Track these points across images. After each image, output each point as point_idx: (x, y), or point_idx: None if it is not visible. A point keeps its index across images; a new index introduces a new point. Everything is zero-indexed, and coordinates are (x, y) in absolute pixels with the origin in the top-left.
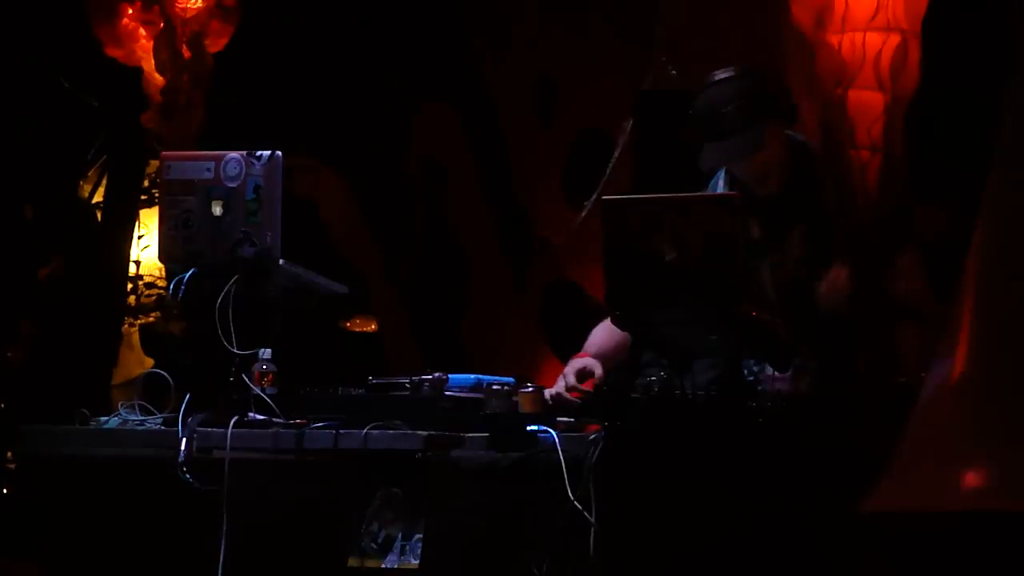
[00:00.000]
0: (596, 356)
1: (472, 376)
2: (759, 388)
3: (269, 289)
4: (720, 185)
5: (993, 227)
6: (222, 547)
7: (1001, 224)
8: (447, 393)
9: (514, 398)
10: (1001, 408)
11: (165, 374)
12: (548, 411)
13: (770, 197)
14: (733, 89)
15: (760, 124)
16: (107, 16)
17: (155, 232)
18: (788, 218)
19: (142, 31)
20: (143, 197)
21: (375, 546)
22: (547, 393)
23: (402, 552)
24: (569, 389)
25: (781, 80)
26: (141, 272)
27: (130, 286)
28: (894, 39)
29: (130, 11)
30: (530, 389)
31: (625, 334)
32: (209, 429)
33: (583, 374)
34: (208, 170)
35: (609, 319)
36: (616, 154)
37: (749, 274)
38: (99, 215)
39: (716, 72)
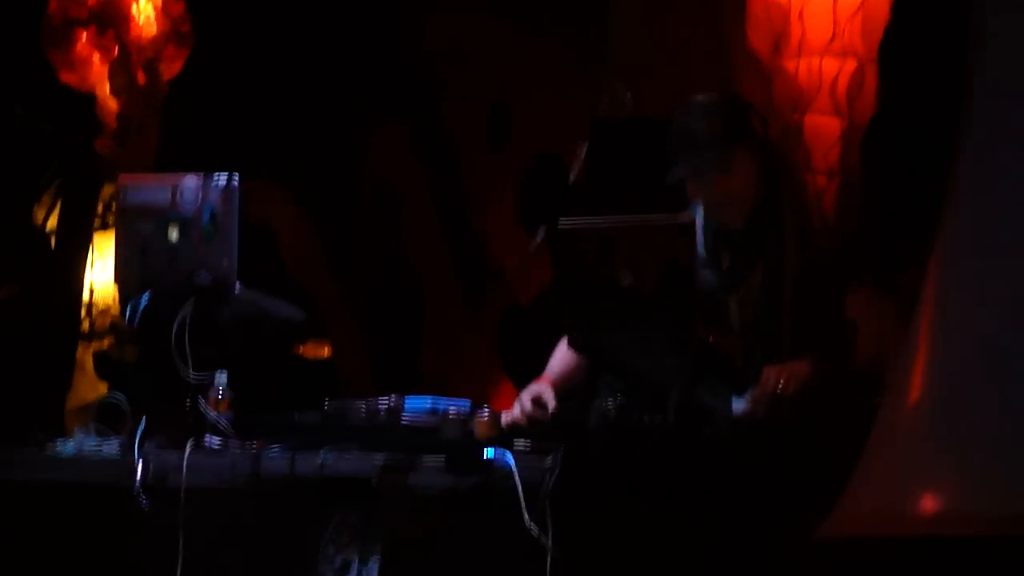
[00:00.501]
0: (557, 378)
1: (428, 399)
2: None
3: (225, 314)
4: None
5: (948, 251)
6: (178, 572)
7: (956, 248)
8: (403, 417)
9: (470, 423)
10: (956, 433)
11: (120, 399)
12: (504, 436)
13: (738, 229)
14: (713, 109)
15: (731, 147)
16: (61, 41)
17: (110, 257)
18: (754, 250)
19: (96, 56)
20: (97, 222)
21: (332, 570)
22: (503, 419)
23: None
24: (524, 415)
25: (760, 114)
26: (95, 297)
27: (84, 311)
28: (851, 65)
29: (84, 36)
30: (486, 414)
31: None
32: (165, 453)
33: (537, 402)
34: (164, 195)
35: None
36: (571, 179)
37: (715, 305)
38: (53, 240)
39: (699, 94)
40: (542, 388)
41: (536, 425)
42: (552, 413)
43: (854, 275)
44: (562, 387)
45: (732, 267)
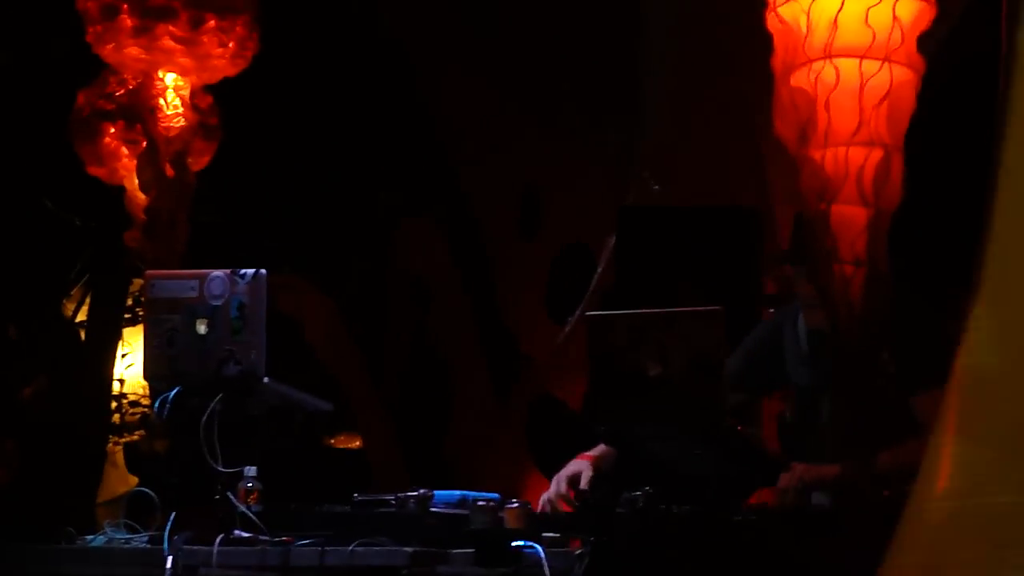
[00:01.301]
0: (600, 455)
1: (457, 492)
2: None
3: (254, 407)
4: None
5: (977, 341)
6: None
7: (984, 339)
8: (432, 509)
9: (500, 514)
10: (984, 523)
11: (150, 492)
12: (534, 526)
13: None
14: None
15: None
16: (89, 135)
17: (139, 350)
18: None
19: (124, 150)
20: (126, 315)
21: None
22: (541, 498)
23: None
24: (559, 497)
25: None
26: (125, 390)
27: (114, 404)
28: (877, 154)
29: (112, 130)
30: (515, 505)
31: None
32: (195, 547)
33: (574, 480)
34: (192, 288)
35: None
36: (599, 269)
37: (810, 401)
38: (83, 333)
39: None
40: (582, 466)
41: (570, 505)
42: (581, 491)
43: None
44: (604, 465)
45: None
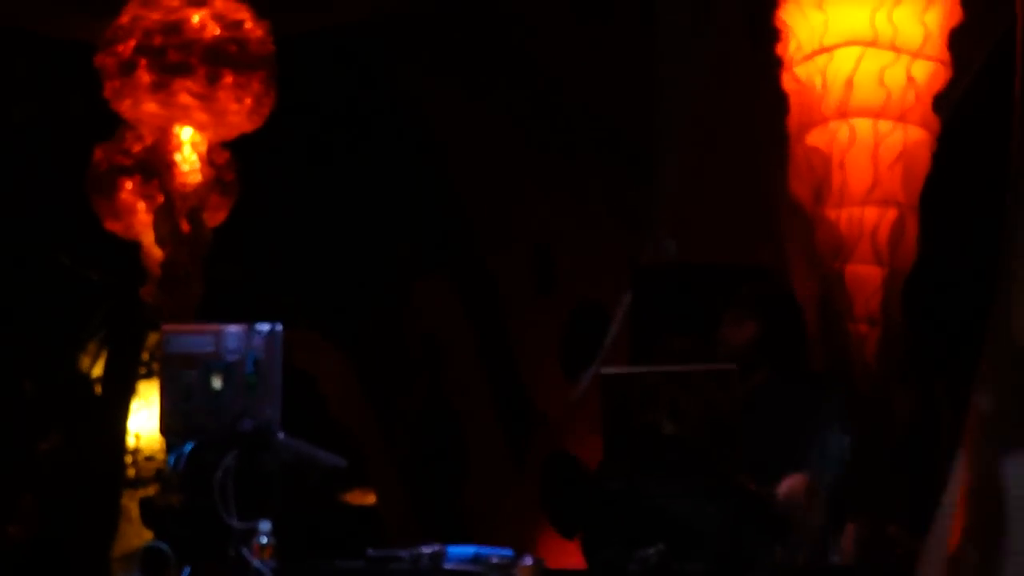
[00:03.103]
0: None
1: (471, 548)
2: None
3: (268, 462)
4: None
5: (989, 404)
6: None
7: (997, 402)
8: (446, 565)
9: (513, 571)
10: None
11: (165, 547)
12: None
13: None
14: None
15: None
16: (106, 190)
17: (155, 404)
18: None
19: (141, 205)
20: (142, 370)
21: None
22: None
23: None
24: None
25: None
26: (140, 444)
27: (129, 458)
28: (891, 213)
29: (129, 185)
30: (529, 562)
31: None
32: None
33: None
34: (208, 343)
35: None
36: (614, 328)
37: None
38: (98, 388)
39: None
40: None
41: None
42: None
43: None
44: None
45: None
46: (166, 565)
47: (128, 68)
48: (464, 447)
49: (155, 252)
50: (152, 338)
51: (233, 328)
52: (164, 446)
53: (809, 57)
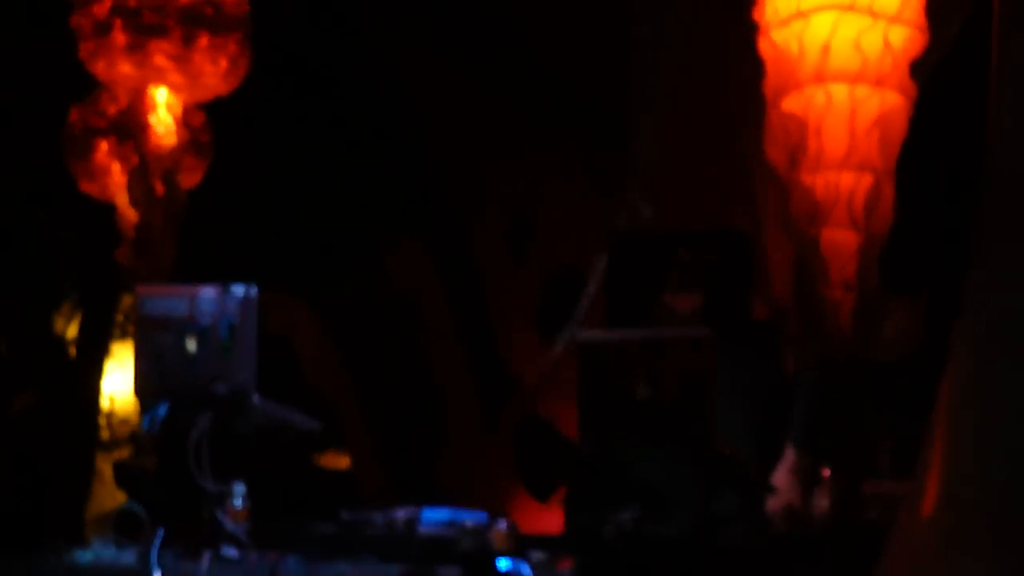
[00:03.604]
0: None
1: (445, 511)
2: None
3: (243, 425)
4: None
5: (962, 366)
6: None
7: (968, 364)
8: (420, 528)
9: (487, 534)
10: (970, 552)
11: (138, 508)
12: (521, 546)
13: None
14: None
15: None
16: (81, 151)
17: (129, 366)
18: None
19: (116, 166)
20: (116, 332)
21: None
22: None
23: None
24: None
25: None
26: (114, 406)
27: (103, 420)
28: (867, 179)
29: (104, 146)
30: (503, 525)
31: None
32: (183, 564)
33: None
34: (182, 305)
35: None
36: (589, 291)
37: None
38: (72, 349)
39: None
40: None
41: None
42: None
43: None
44: None
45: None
46: (140, 527)
47: (103, 29)
48: (439, 411)
49: (130, 214)
50: (126, 300)
51: (208, 290)
52: (138, 408)
53: (786, 22)
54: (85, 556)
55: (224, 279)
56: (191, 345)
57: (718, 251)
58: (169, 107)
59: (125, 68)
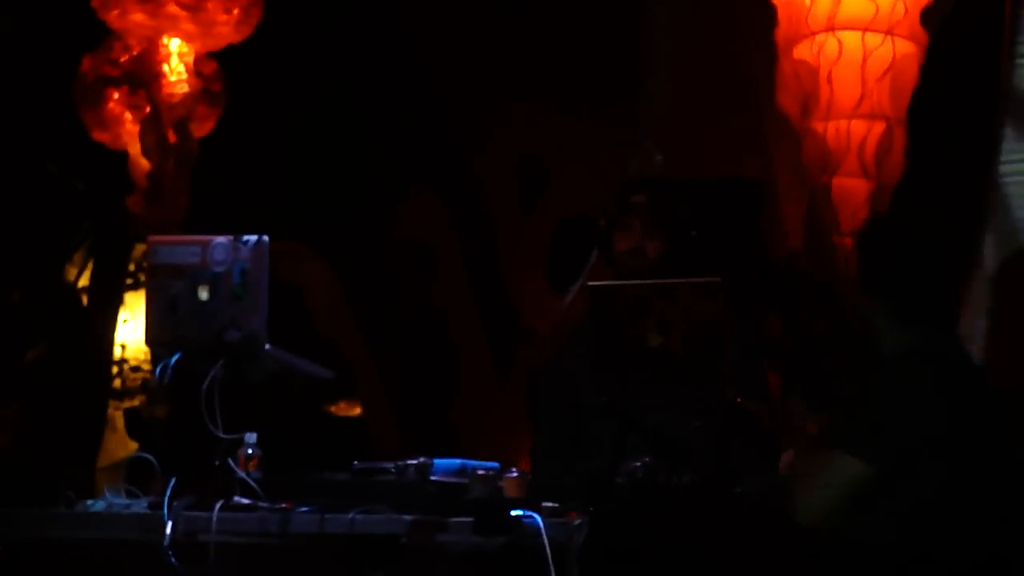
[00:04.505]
0: None
1: (457, 461)
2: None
3: (255, 374)
4: None
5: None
6: None
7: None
8: (432, 478)
9: (499, 483)
10: None
11: (150, 457)
12: (533, 495)
13: None
14: None
15: None
16: (93, 100)
17: (141, 315)
18: None
19: (128, 115)
20: (128, 281)
21: None
22: None
23: None
24: None
25: None
26: (126, 355)
27: (115, 369)
28: (879, 127)
29: (116, 95)
30: (515, 474)
31: None
32: (194, 513)
33: None
34: (195, 254)
35: None
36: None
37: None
38: (85, 299)
39: None
40: None
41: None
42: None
43: None
44: None
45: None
46: (152, 476)
47: None
48: (451, 360)
49: (142, 163)
50: (138, 249)
51: (220, 239)
52: (150, 357)
53: None
54: (97, 505)
55: (236, 229)
56: (203, 293)
57: (727, 199)
58: (181, 56)
59: (137, 17)
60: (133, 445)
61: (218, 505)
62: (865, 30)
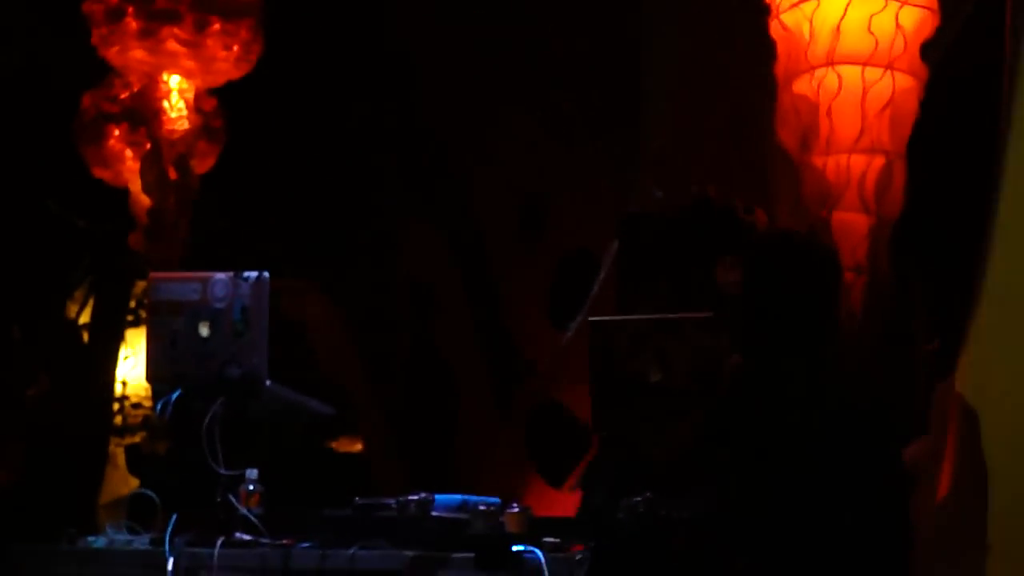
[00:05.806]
0: None
1: (458, 496)
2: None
3: (255, 410)
4: None
5: (978, 356)
6: None
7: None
8: (433, 513)
9: (500, 518)
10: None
11: (152, 494)
12: (534, 530)
13: None
14: None
15: None
16: (94, 137)
17: (142, 352)
18: None
19: (129, 152)
20: (129, 317)
21: None
22: None
23: None
24: None
25: None
26: (127, 392)
27: (116, 406)
28: (879, 161)
29: (117, 132)
30: (516, 509)
31: None
32: (196, 549)
33: None
34: (195, 291)
35: None
36: (601, 275)
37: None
38: (85, 335)
39: None
40: None
41: None
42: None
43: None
44: None
45: None
46: (153, 512)
47: (116, 15)
48: (452, 395)
49: (142, 199)
50: (139, 286)
51: (220, 276)
52: (151, 393)
53: (797, 4)
54: (99, 542)
55: (236, 266)
56: (204, 330)
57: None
58: (181, 92)
59: (138, 54)
60: (134, 482)
61: (219, 541)
62: (865, 64)
